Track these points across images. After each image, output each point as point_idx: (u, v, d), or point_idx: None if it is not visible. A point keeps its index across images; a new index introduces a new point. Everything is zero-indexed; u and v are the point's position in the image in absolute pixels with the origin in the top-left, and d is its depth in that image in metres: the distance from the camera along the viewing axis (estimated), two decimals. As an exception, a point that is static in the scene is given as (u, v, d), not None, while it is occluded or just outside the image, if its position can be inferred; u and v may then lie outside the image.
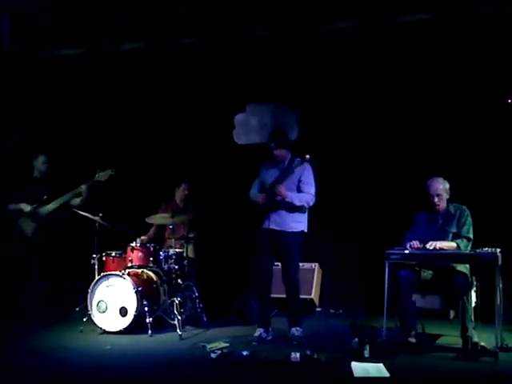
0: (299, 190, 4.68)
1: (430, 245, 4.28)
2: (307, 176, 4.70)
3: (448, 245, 4.33)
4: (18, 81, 6.34)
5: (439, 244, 4.29)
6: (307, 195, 4.67)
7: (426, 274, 4.47)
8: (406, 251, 4.34)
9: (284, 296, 4.80)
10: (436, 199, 4.44)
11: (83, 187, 5.45)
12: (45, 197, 5.52)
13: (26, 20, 6.23)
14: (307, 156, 4.60)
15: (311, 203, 4.69)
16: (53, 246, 5.52)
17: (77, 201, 5.54)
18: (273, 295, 4.89)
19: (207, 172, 6.38)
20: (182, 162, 6.37)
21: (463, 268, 4.35)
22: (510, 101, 5.44)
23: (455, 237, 4.42)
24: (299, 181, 4.68)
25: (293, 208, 4.65)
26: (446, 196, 4.48)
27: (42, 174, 5.69)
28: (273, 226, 4.66)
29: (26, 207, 5.49)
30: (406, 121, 5.91)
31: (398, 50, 5.87)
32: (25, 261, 5.47)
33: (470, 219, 4.44)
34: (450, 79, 5.76)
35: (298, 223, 4.70)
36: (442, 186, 4.45)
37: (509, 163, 5.54)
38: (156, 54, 6.42)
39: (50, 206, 5.50)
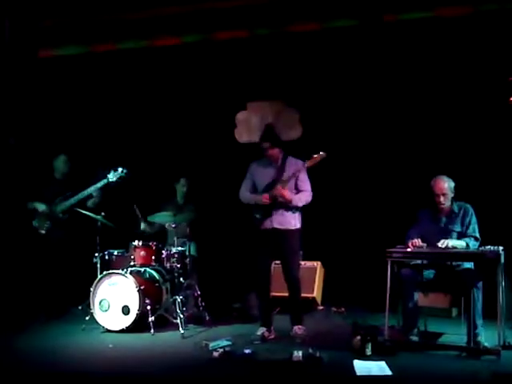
0: (297, 188, 4.71)
1: (442, 243, 4.27)
2: (303, 174, 4.73)
3: (458, 244, 4.31)
4: (19, 80, 6.34)
5: (451, 242, 4.28)
6: (306, 193, 4.71)
7: (429, 271, 4.47)
8: (408, 249, 4.33)
9: (286, 294, 4.80)
10: (441, 198, 4.42)
11: (93, 189, 5.48)
12: (67, 194, 5.58)
13: (26, 20, 6.24)
14: (307, 164, 4.61)
15: (309, 200, 4.74)
16: (64, 243, 5.56)
17: (90, 202, 5.58)
18: (274, 294, 4.89)
19: (209, 170, 6.38)
20: (185, 161, 6.37)
21: (469, 265, 4.34)
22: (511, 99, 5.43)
23: (459, 236, 4.41)
24: (296, 179, 4.70)
25: (293, 206, 4.67)
26: (450, 195, 4.46)
27: (63, 174, 5.76)
28: (276, 225, 4.66)
29: (41, 206, 5.55)
30: (409, 119, 5.91)
31: (402, 49, 5.86)
32: (37, 258, 5.51)
33: (474, 218, 4.43)
34: (454, 77, 5.75)
35: (297, 220, 4.74)
36: (447, 185, 4.44)
37: None
38: (157, 53, 6.42)
39: (65, 205, 5.55)
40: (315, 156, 4.62)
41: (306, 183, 4.73)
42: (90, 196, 5.56)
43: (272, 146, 4.68)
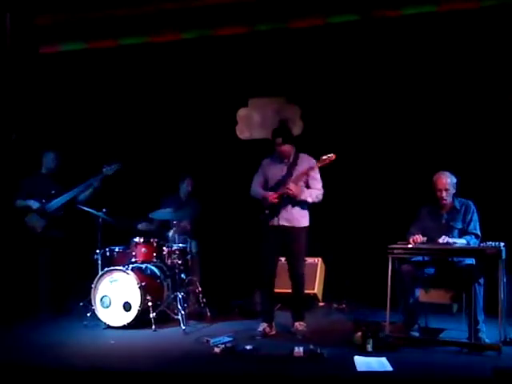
0: (307, 186, 4.69)
1: (443, 239, 4.26)
2: (315, 172, 4.71)
3: (459, 241, 4.30)
4: (21, 77, 6.35)
5: (452, 240, 4.27)
6: (317, 191, 4.69)
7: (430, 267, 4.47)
8: (409, 246, 4.33)
9: (288, 291, 4.80)
10: (443, 193, 4.41)
11: (91, 181, 5.47)
12: (52, 191, 5.54)
13: (27, 15, 6.24)
14: (317, 164, 4.61)
15: (321, 198, 4.71)
16: (61, 241, 5.55)
17: (86, 194, 5.54)
18: (277, 290, 4.89)
19: (210, 167, 6.38)
20: (186, 157, 6.37)
21: (471, 261, 4.33)
22: None
23: (461, 232, 4.40)
24: (308, 177, 4.68)
25: (301, 204, 4.66)
26: (452, 190, 4.45)
27: (50, 170, 5.71)
28: (283, 223, 4.65)
29: (35, 204, 5.50)
30: (411, 115, 5.89)
31: (405, 44, 5.84)
32: (34, 257, 5.50)
33: (476, 215, 4.42)
34: (457, 73, 5.74)
35: (305, 218, 4.72)
36: (449, 180, 4.42)
37: (513, 157, 5.52)
38: (159, 49, 6.41)
39: (58, 201, 5.52)
40: (324, 158, 4.59)
41: (317, 182, 4.70)
42: (81, 193, 5.50)
43: (283, 142, 4.66)
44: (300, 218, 4.69)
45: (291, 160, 4.71)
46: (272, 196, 4.63)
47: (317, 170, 4.70)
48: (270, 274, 4.72)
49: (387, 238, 4.44)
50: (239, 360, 4.00)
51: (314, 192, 4.67)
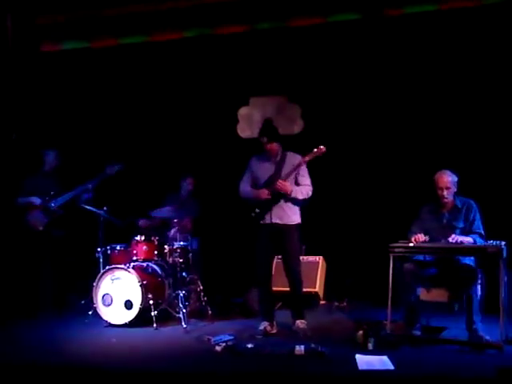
0: (297, 183, 4.71)
1: (453, 238, 4.25)
2: (303, 169, 4.74)
3: (467, 240, 4.29)
4: (22, 76, 6.35)
5: (461, 238, 4.26)
6: (306, 187, 4.71)
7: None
8: (411, 244, 4.32)
9: (288, 289, 4.80)
10: (445, 192, 4.40)
11: (90, 184, 5.48)
12: (52, 192, 5.55)
13: (28, 14, 6.25)
14: (306, 158, 4.64)
15: (310, 194, 4.74)
16: (62, 239, 5.55)
17: (86, 196, 5.56)
18: (276, 288, 4.90)
19: (212, 166, 6.38)
20: (187, 156, 6.37)
21: (469, 261, 4.33)
22: None
23: (462, 232, 4.39)
24: (297, 174, 4.71)
25: (292, 201, 4.68)
26: (453, 189, 4.45)
27: (51, 169, 5.72)
28: (276, 220, 4.66)
29: (37, 200, 5.53)
30: (412, 114, 5.89)
31: (405, 43, 5.84)
32: (35, 255, 5.51)
33: (478, 214, 4.41)
34: (457, 71, 5.73)
35: (296, 215, 4.74)
36: (450, 179, 4.41)
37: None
38: (160, 48, 6.41)
39: (61, 199, 5.53)
40: (315, 150, 4.63)
41: (306, 178, 4.74)
42: (86, 190, 5.53)
43: (269, 141, 4.68)
44: (292, 216, 4.71)
45: (278, 158, 4.73)
46: (264, 193, 4.65)
47: (305, 167, 4.73)
48: (266, 273, 4.74)
49: (388, 237, 4.44)
50: (240, 358, 4.00)
51: (304, 188, 4.70)
